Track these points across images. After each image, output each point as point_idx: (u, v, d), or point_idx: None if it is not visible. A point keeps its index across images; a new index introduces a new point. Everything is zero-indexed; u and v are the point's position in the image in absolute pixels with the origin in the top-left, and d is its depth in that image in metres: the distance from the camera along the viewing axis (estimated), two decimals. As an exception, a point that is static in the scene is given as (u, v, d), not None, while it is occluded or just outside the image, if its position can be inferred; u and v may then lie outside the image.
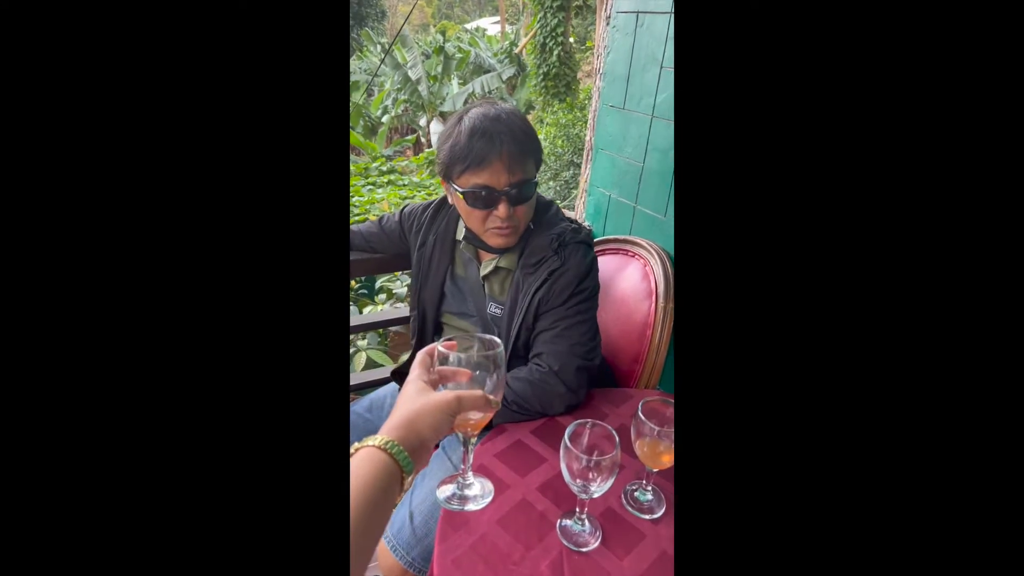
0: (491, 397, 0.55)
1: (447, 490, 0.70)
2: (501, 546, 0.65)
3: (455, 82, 10.16)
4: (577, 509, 0.68)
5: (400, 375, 1.15)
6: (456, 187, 0.86)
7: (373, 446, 0.45)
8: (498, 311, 0.96)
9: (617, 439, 0.62)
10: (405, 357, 2.08)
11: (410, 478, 0.46)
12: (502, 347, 0.57)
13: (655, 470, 0.70)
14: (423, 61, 9.82)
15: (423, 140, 10.31)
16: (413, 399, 0.50)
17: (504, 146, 0.81)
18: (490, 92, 9.24)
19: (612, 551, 0.65)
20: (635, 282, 1.14)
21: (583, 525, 0.68)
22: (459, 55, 10.22)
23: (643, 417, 0.66)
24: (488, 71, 10.11)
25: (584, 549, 0.65)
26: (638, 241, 1.20)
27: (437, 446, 0.97)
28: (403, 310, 1.31)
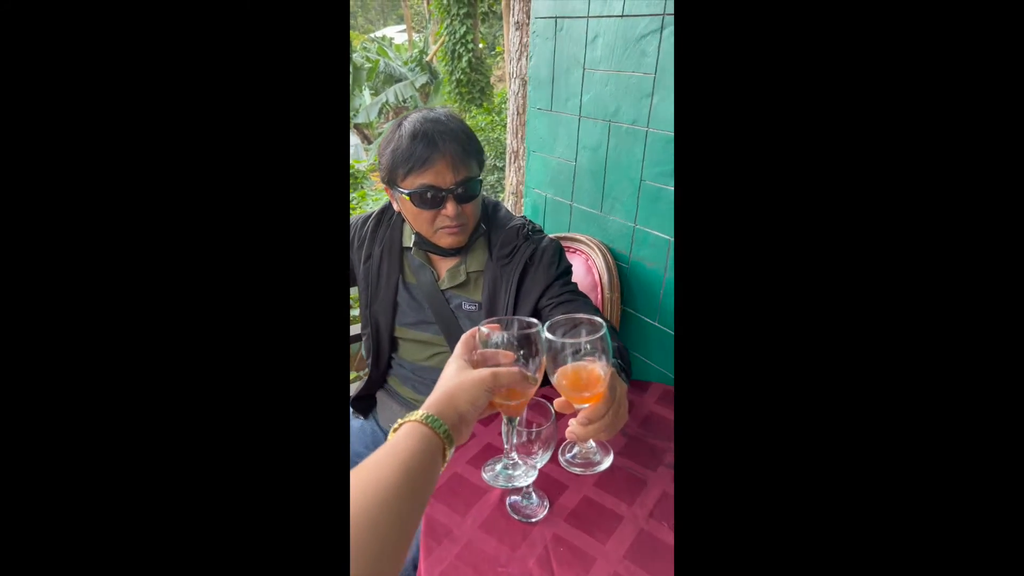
0: (528, 374, 0.55)
1: (494, 469, 0.72)
2: (487, 551, 0.64)
3: (367, 92, 9.90)
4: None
5: (360, 401, 1.10)
6: (402, 190, 0.86)
7: (414, 420, 0.46)
8: (471, 307, 0.96)
9: (553, 410, 0.64)
10: (355, 376, 1.99)
11: (451, 450, 0.47)
12: (540, 327, 0.57)
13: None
14: (331, 72, 9.46)
15: (338, 153, 9.93)
16: (453, 377, 0.52)
17: (446, 145, 0.83)
18: (404, 101, 9.11)
19: (594, 537, 0.67)
20: (580, 276, 1.18)
21: (531, 499, 0.71)
22: (368, 65, 9.98)
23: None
24: (400, 80, 9.95)
25: (534, 520, 0.68)
26: (578, 237, 1.24)
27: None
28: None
